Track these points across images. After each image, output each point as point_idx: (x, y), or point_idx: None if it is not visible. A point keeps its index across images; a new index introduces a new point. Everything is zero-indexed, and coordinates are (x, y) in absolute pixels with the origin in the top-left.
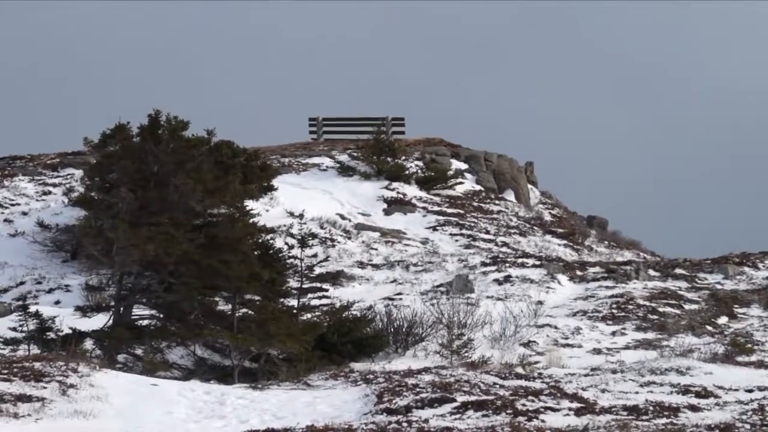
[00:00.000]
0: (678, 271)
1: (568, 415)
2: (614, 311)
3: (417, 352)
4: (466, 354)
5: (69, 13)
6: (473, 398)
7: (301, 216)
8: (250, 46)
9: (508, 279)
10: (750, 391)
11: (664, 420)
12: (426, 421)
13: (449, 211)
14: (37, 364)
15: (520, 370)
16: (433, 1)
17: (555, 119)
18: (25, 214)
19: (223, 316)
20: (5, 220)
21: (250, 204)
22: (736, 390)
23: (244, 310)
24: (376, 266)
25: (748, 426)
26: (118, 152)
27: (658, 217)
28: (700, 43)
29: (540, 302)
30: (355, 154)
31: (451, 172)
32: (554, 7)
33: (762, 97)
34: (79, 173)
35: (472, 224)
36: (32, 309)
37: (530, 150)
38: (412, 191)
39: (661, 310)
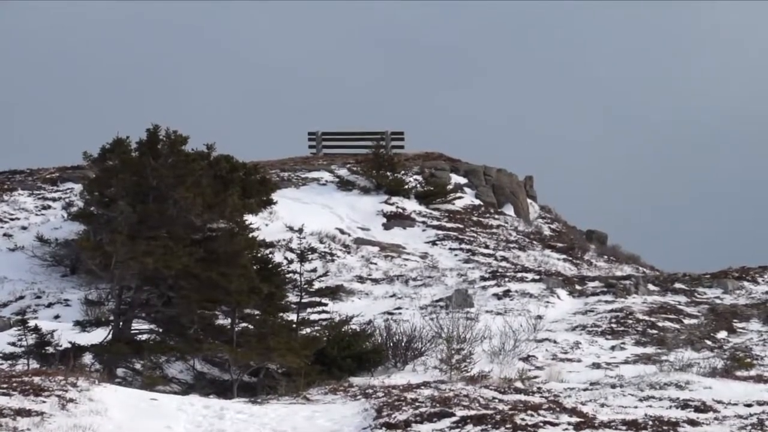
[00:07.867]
0: (677, 285)
1: (567, 429)
2: (613, 326)
3: (416, 366)
4: (465, 368)
5: (67, 24)
6: (472, 413)
7: (300, 230)
8: (248, 59)
9: (507, 293)
10: (749, 405)
11: None
12: None
13: (448, 225)
14: (36, 379)
15: (519, 384)
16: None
17: (554, 133)
18: (24, 228)
19: (223, 330)
20: (5, 235)
21: (249, 218)
22: (735, 404)
23: (244, 324)
24: (376, 281)
25: None
26: (118, 166)
27: (657, 232)
28: (700, 53)
29: (539, 317)
30: (355, 169)
31: (450, 187)
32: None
33: (763, 109)
34: (78, 187)
35: (472, 239)
36: (31, 323)
37: (530, 164)
38: (411, 206)
39: (660, 324)
